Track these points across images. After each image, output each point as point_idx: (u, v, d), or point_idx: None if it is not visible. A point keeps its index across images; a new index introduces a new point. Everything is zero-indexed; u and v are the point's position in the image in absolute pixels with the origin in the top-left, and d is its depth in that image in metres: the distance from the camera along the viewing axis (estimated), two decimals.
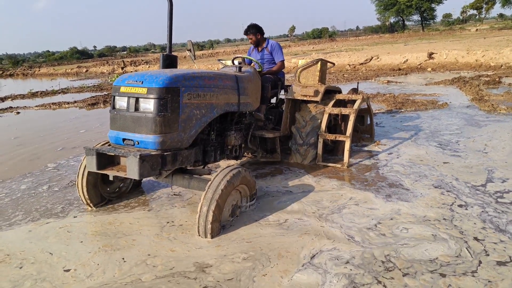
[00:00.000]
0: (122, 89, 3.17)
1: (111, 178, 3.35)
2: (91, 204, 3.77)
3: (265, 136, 4.63)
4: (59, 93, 16.30)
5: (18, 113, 11.38)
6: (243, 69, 4.24)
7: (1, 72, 39.96)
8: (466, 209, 3.27)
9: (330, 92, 5.07)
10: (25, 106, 12.59)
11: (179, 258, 2.79)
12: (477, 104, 7.56)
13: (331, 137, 4.68)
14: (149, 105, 3.03)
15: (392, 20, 60.16)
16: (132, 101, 3.10)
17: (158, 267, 2.70)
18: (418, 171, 4.25)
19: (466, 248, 2.67)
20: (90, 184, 3.68)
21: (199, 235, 3.00)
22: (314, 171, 4.51)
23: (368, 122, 5.79)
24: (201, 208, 2.95)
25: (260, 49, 5.15)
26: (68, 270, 2.70)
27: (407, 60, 16.12)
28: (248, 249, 2.86)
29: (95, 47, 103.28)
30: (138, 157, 2.83)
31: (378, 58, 17.26)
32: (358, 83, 6.86)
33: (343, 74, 15.38)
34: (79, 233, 3.30)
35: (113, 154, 3.08)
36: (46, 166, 5.45)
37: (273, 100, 5.32)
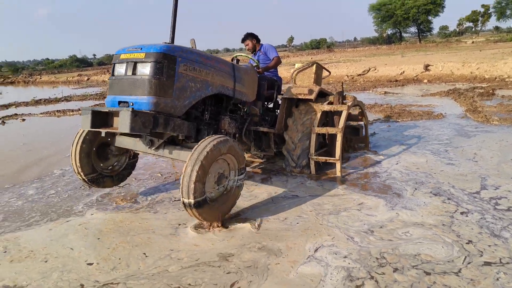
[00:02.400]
0: (122, 56, 3.38)
1: (103, 135, 3.57)
2: (81, 173, 3.91)
3: (260, 130, 4.86)
4: (62, 100, 16.54)
5: (23, 120, 11.60)
6: (240, 63, 4.56)
7: (2, 79, 40.20)
8: (467, 215, 3.41)
9: (325, 95, 5.27)
10: (30, 113, 12.81)
11: (204, 251, 3.02)
12: (471, 115, 7.85)
13: (322, 156, 4.82)
14: (145, 69, 3.21)
15: (389, 31, 61.01)
16: (130, 65, 3.29)
17: (183, 259, 2.92)
18: (416, 178, 4.45)
19: (458, 249, 2.85)
20: (83, 152, 3.86)
21: (183, 197, 3.05)
22: (316, 176, 4.74)
23: (364, 132, 5.97)
24: (186, 168, 3.00)
25: (256, 53, 5.55)
26: (91, 264, 2.91)
27: (404, 71, 16.49)
28: (261, 240, 3.16)
29: (94, 55, 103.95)
30: (131, 110, 2.97)
31: (375, 69, 17.63)
32: (342, 83, 7.15)
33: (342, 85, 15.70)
34: (95, 231, 3.52)
35: (107, 110, 3.21)
36: (52, 172, 5.65)
37: (271, 104, 5.57)
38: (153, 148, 3.66)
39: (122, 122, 3.00)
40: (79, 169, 3.91)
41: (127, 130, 2.99)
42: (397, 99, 11.08)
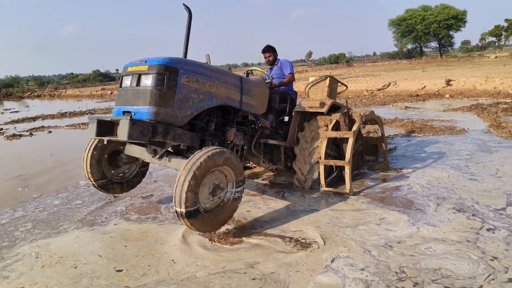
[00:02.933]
0: (129, 69, 3.55)
1: (105, 142, 3.78)
2: (91, 179, 4.08)
3: (269, 142, 4.79)
4: (87, 113, 17.03)
5: (50, 132, 12.01)
6: (250, 76, 4.64)
7: (30, 93, 41.74)
8: (493, 232, 3.35)
9: (339, 109, 5.10)
10: (56, 126, 13.26)
11: (229, 260, 3.11)
12: (494, 131, 7.72)
13: (329, 163, 4.62)
14: (148, 80, 3.35)
15: (409, 46, 60.60)
16: (135, 77, 3.44)
17: (209, 266, 3.01)
18: (437, 193, 4.41)
19: (482, 265, 2.81)
20: (94, 158, 4.03)
21: (175, 206, 3.08)
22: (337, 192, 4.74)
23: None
24: (179, 177, 3.04)
25: (272, 67, 5.59)
26: (120, 270, 3.02)
27: (425, 86, 16.34)
28: (283, 249, 3.26)
29: (117, 70, 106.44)
30: (129, 119, 3.10)
31: (395, 84, 17.53)
32: (346, 101, 5.90)
33: (361, 100, 15.68)
34: (121, 239, 3.63)
35: (109, 119, 3.36)
36: (78, 183, 5.83)
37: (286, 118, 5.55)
38: (156, 157, 3.79)
39: (121, 130, 3.14)
40: (89, 175, 4.09)
41: (125, 138, 3.12)
42: (418, 114, 10.98)
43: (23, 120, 15.70)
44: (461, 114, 10.32)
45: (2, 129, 13.09)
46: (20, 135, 11.34)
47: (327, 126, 4.82)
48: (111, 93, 32.04)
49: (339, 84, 5.55)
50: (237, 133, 4.35)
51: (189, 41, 4.26)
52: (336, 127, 4.88)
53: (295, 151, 4.88)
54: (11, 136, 11.22)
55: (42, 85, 57.63)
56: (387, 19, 58.47)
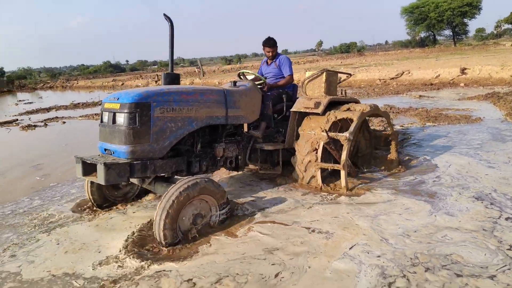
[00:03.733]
0: (106, 105, 3.59)
1: (89, 184, 3.92)
2: (95, 204, 4.14)
3: (264, 148, 4.62)
4: (99, 104, 17.15)
5: (64, 122, 12.17)
6: (238, 83, 4.46)
7: (42, 84, 42.23)
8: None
9: (341, 103, 4.81)
10: (70, 116, 13.43)
11: (249, 247, 3.15)
12: (511, 119, 7.59)
13: (327, 166, 4.42)
14: (121, 118, 3.38)
15: (422, 34, 59.53)
16: (111, 115, 3.48)
17: (229, 254, 3.06)
18: (462, 184, 4.31)
19: (498, 254, 2.78)
20: (94, 186, 4.06)
21: (157, 239, 3.16)
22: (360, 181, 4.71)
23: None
24: (156, 217, 3.11)
25: (269, 62, 5.25)
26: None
27: (439, 75, 16.09)
28: (303, 235, 3.30)
29: (127, 61, 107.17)
30: (103, 164, 3.15)
31: (409, 73, 17.29)
32: (345, 91, 5.53)
33: (373, 89, 15.52)
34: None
35: (89, 162, 3.41)
36: None
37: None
38: (145, 184, 3.87)
39: (99, 175, 3.23)
40: (92, 201, 4.15)
41: (103, 183, 3.21)
42: (433, 102, 10.84)
43: (37, 111, 15.93)
44: (477, 103, 10.15)
45: (17, 120, 13.28)
46: (35, 126, 11.51)
47: (324, 124, 4.54)
48: (122, 84, 32.25)
49: (340, 74, 5.25)
50: (229, 145, 4.28)
51: (174, 52, 4.28)
52: (337, 124, 4.67)
53: (295, 146, 4.71)
54: (26, 126, 11.39)
55: (54, 77, 58.22)
56: (400, 7, 57.31)
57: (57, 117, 13.25)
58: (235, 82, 4.44)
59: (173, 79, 4.27)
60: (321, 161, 4.42)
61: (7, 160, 7.23)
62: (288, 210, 3.89)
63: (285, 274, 2.71)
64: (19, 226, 3.92)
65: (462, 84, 14.59)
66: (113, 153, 3.45)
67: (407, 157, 5.55)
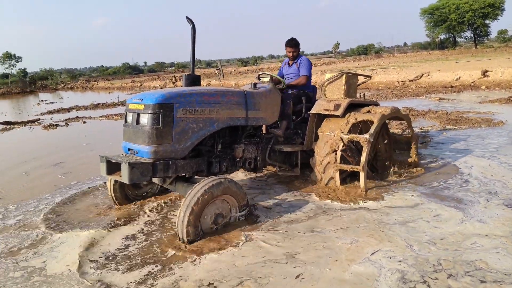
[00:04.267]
0: (130, 106, 3.67)
1: (113, 182, 4.03)
2: (117, 203, 4.26)
3: (283, 150, 4.62)
4: (118, 105, 17.46)
5: (84, 122, 12.42)
6: (258, 85, 4.47)
7: (63, 85, 43.17)
8: None
9: (361, 106, 4.78)
10: (90, 116, 13.69)
11: (269, 251, 3.12)
12: None
13: (346, 167, 4.39)
14: (145, 119, 3.45)
15: (442, 36, 58.51)
16: (135, 116, 3.56)
17: (249, 257, 3.04)
18: (489, 189, 4.22)
19: None
20: (117, 186, 4.19)
21: (179, 236, 3.24)
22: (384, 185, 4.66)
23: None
24: (179, 213, 3.18)
25: (291, 63, 5.26)
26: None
27: (459, 77, 15.79)
28: (326, 240, 3.27)
29: (145, 62, 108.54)
30: (127, 164, 3.24)
31: (428, 75, 17.03)
32: (364, 94, 5.44)
33: (392, 91, 15.33)
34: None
35: (114, 161, 3.50)
36: None
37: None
38: (166, 184, 3.95)
39: (123, 174, 3.32)
40: (115, 200, 4.27)
41: (127, 181, 3.31)
42: (453, 105, 10.64)
43: (58, 111, 16.30)
44: (499, 106, 9.92)
45: (39, 119, 13.63)
46: (57, 125, 11.78)
47: (344, 126, 4.50)
48: (141, 85, 32.70)
49: (360, 76, 5.20)
50: (248, 146, 4.31)
51: (195, 54, 4.35)
52: (356, 126, 4.64)
53: (314, 147, 4.70)
54: (48, 126, 11.68)
55: (74, 78, 59.44)
56: (419, 8, 56.42)
57: (77, 117, 13.54)
58: (255, 84, 4.46)
59: (194, 80, 4.33)
60: (340, 162, 4.39)
61: (30, 158, 7.42)
62: (310, 215, 3.83)
63: (306, 275, 2.71)
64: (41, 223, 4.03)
65: (483, 87, 14.28)
66: (137, 152, 3.52)
67: (427, 160, 5.47)
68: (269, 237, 3.37)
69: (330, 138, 4.52)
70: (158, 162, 3.42)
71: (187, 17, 4.29)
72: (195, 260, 3.02)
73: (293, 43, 5.11)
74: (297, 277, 2.71)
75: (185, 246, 3.19)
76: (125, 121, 3.72)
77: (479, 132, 7.07)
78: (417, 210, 3.78)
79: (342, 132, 4.41)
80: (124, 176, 3.32)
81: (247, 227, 3.57)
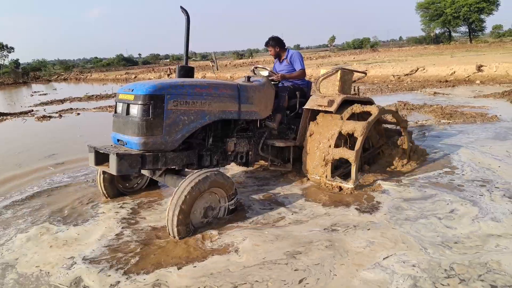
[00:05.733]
0: (120, 96, 3.61)
1: (100, 172, 4.00)
2: (107, 197, 4.25)
3: (276, 145, 4.58)
4: (113, 97, 17.28)
5: (78, 114, 12.32)
6: (252, 79, 4.42)
7: (56, 76, 42.71)
8: None
9: (354, 103, 4.70)
10: (84, 108, 13.57)
11: (268, 250, 2.98)
12: None
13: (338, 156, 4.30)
14: (135, 110, 3.39)
15: (437, 31, 58.55)
16: (125, 106, 3.49)
17: (244, 258, 2.89)
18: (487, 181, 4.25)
19: None
20: (106, 181, 4.17)
21: (169, 234, 3.20)
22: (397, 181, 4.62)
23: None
24: (168, 212, 3.14)
25: (281, 60, 5.15)
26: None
27: (454, 72, 15.83)
28: (329, 238, 3.15)
29: (140, 54, 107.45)
30: (115, 155, 3.19)
31: (423, 69, 17.05)
32: (358, 88, 5.36)
33: (387, 85, 15.34)
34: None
35: (102, 152, 3.45)
36: None
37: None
38: (155, 176, 3.92)
39: (111, 165, 3.27)
40: (105, 193, 4.26)
41: (115, 173, 3.26)
42: (448, 100, 10.67)
43: (52, 103, 16.13)
44: (493, 101, 9.97)
45: (32, 110, 13.49)
46: (50, 117, 11.66)
47: (337, 121, 4.47)
48: (135, 77, 32.39)
49: (355, 72, 5.12)
50: (240, 140, 4.26)
51: (189, 45, 4.28)
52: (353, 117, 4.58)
53: (304, 143, 4.64)
54: (41, 117, 11.56)
55: (68, 69, 58.67)
56: (415, 2, 56.36)
57: (71, 109, 13.41)
58: (249, 77, 4.40)
59: (187, 72, 4.27)
60: (332, 155, 4.36)
61: (23, 150, 7.35)
62: (308, 213, 3.76)
63: (310, 281, 2.56)
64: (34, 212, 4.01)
65: (478, 82, 14.33)
66: (126, 143, 3.47)
67: (422, 153, 5.48)
68: (267, 235, 3.24)
69: (323, 131, 4.49)
70: (147, 154, 3.38)
71: (181, 7, 4.22)
72: (178, 264, 2.85)
73: (270, 43, 5.03)
74: (300, 281, 2.55)
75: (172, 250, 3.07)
76: (115, 112, 3.66)
77: (474, 126, 7.10)
78: (431, 204, 3.76)
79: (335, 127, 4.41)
80: (112, 167, 3.27)
81: (241, 225, 3.48)
